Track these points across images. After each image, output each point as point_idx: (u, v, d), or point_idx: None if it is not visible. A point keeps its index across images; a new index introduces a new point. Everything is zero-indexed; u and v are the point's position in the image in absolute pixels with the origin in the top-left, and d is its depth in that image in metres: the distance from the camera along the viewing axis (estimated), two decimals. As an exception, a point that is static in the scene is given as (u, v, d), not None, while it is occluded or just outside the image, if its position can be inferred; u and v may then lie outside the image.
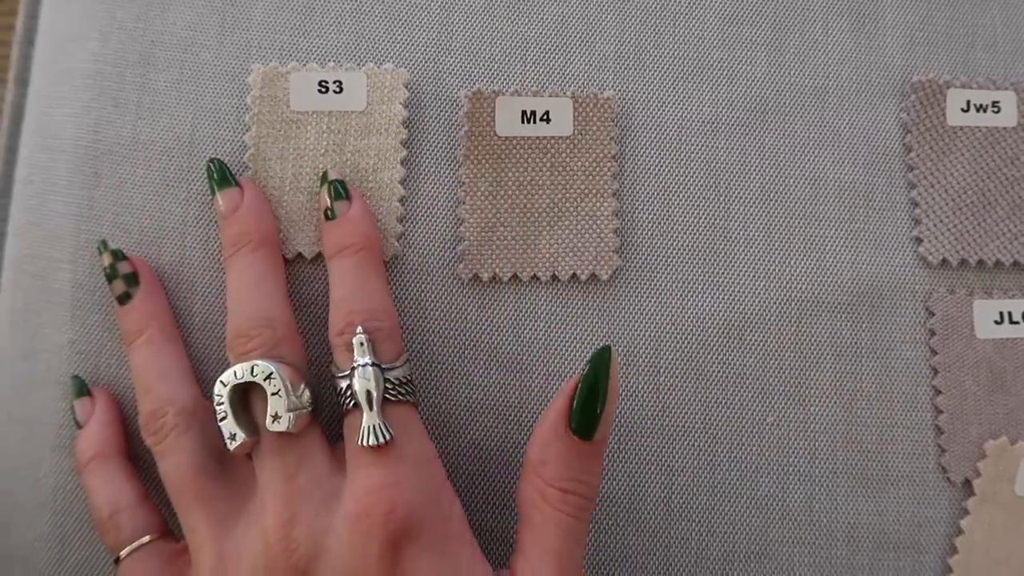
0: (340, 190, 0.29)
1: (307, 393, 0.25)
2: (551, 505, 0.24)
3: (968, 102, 0.33)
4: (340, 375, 0.25)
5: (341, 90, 0.31)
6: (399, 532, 0.23)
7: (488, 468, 0.30)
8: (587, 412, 0.24)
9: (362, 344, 0.25)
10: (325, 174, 0.30)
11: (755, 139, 0.32)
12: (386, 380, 0.25)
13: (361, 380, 0.24)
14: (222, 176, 0.29)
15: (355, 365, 0.25)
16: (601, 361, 0.24)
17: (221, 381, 0.25)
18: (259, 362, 0.25)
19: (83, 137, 0.33)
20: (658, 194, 0.31)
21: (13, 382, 0.33)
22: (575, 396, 0.24)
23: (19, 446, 0.32)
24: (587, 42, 0.33)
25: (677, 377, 0.30)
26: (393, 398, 0.25)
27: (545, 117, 0.31)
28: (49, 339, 0.32)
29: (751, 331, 0.31)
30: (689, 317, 0.31)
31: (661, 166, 0.32)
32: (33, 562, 0.31)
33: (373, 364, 0.25)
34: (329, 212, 0.29)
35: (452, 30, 0.32)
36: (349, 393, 0.25)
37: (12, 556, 0.32)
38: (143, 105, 0.33)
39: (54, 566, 0.31)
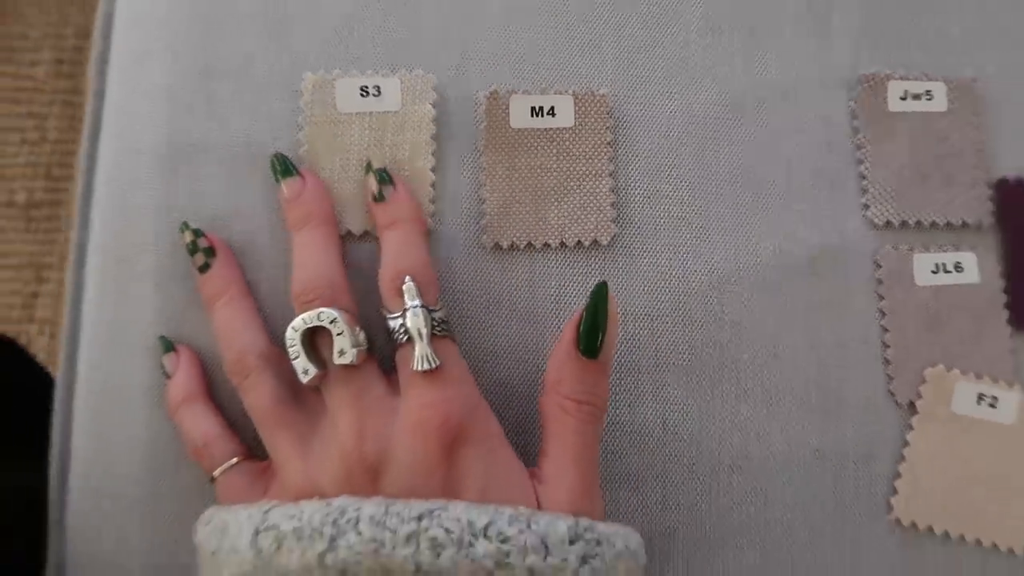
0: (385, 176, 0.35)
1: (363, 334, 0.31)
2: (569, 414, 0.30)
3: (906, 91, 0.39)
4: (392, 316, 0.31)
5: (379, 93, 0.37)
6: (451, 436, 0.29)
7: (511, 401, 0.36)
8: (591, 335, 0.30)
9: (412, 290, 0.31)
10: (369, 164, 0.36)
11: (732, 129, 0.38)
12: (432, 319, 0.31)
13: (413, 318, 0.30)
14: (284, 167, 0.35)
15: (407, 307, 0.31)
16: (599, 294, 0.30)
17: (292, 327, 0.31)
18: (324, 309, 0.31)
19: (161, 140, 0.39)
20: (648, 174, 0.38)
21: (106, 352, 0.38)
22: (581, 323, 0.30)
23: (114, 406, 0.38)
24: (587, 47, 0.39)
25: (668, 323, 0.37)
26: (439, 333, 0.31)
27: (551, 111, 0.37)
28: (136, 312, 0.38)
29: (729, 285, 0.37)
30: (677, 274, 0.37)
31: (651, 151, 0.38)
32: (123, 495, 0.37)
33: (422, 306, 0.31)
34: (377, 195, 0.35)
35: (471, 40, 0.39)
36: (403, 330, 0.31)
37: (101, 491, 0.37)
38: (210, 112, 0.39)
39: (147, 498, 0.36)
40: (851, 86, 0.40)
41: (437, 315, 0.31)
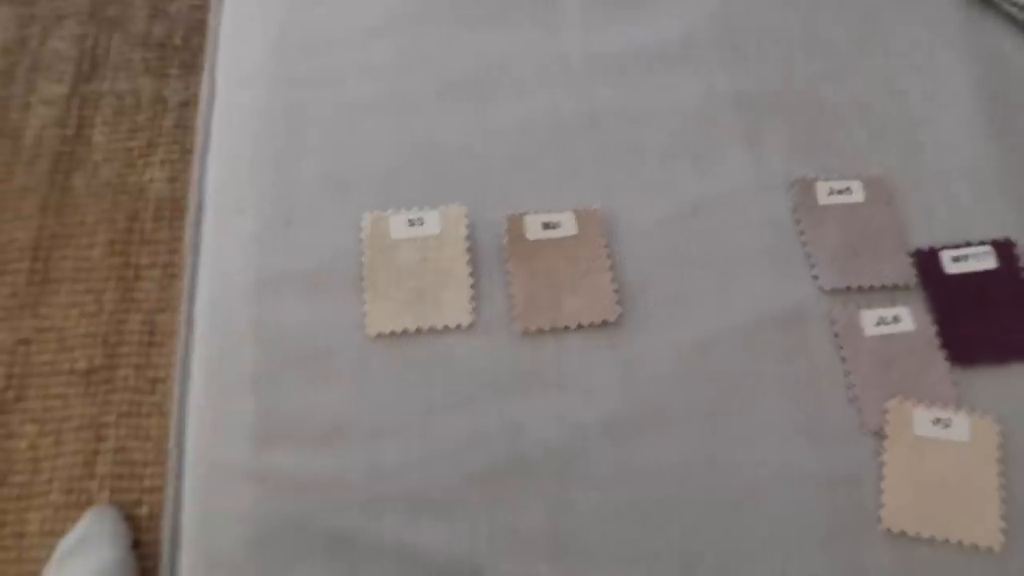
0: None
1: None
2: None
3: (831, 188, 0.50)
4: None
5: (423, 223, 0.48)
6: None
7: (540, 467, 0.43)
8: None
9: None
10: None
11: (695, 227, 0.49)
12: None
13: None
14: None
15: None
16: None
17: None
18: None
19: (250, 268, 0.49)
20: (639, 266, 0.48)
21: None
22: None
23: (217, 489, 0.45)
24: (579, 175, 0.50)
25: (667, 381, 0.45)
26: None
27: (557, 225, 0.48)
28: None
29: (714, 345, 0.46)
30: (672, 340, 0.46)
31: (638, 249, 0.48)
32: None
33: None
34: None
35: (491, 179, 0.50)
36: None
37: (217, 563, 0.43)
38: (291, 245, 0.49)
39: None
40: (785, 187, 0.51)
41: None
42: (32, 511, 0.93)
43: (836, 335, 0.47)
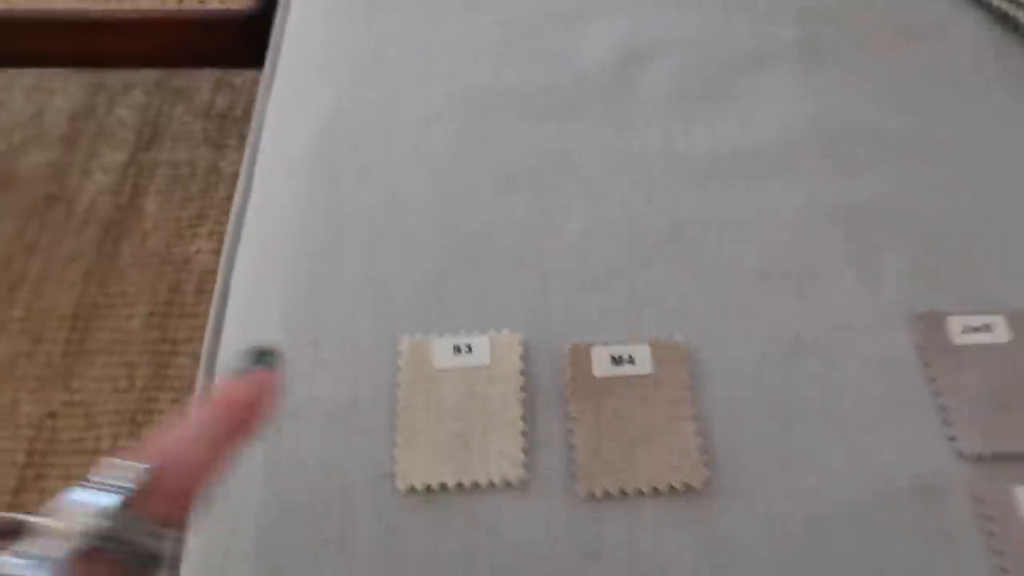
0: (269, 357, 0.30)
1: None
2: None
3: (965, 325, 0.41)
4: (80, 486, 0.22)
5: (471, 351, 0.41)
6: None
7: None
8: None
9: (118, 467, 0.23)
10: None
11: (797, 366, 0.40)
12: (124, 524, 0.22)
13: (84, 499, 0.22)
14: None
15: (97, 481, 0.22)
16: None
17: None
18: None
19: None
20: (731, 416, 0.39)
21: None
22: None
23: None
24: (653, 300, 0.42)
25: (771, 563, 0.36)
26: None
27: (630, 359, 0.40)
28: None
29: (825, 525, 0.36)
30: (773, 516, 0.37)
31: (728, 393, 0.40)
32: None
33: (118, 489, 0.22)
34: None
35: (551, 299, 0.43)
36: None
37: None
38: (315, 371, 0.42)
39: None
40: (907, 321, 0.42)
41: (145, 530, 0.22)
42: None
43: (984, 517, 0.37)
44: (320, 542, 0.37)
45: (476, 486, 0.38)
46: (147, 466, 0.23)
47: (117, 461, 0.23)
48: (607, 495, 0.37)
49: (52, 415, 1.06)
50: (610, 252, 0.44)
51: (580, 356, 0.40)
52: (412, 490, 0.38)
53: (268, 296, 0.46)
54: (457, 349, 0.41)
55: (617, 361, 0.40)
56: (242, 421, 0.27)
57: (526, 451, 0.39)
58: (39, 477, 1.02)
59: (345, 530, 0.38)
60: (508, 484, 0.38)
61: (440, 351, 0.41)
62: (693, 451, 0.38)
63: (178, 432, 0.25)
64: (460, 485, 0.38)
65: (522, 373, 0.40)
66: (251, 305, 0.46)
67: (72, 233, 1.24)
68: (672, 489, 0.37)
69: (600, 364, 0.40)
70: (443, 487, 0.38)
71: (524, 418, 0.39)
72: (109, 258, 1.23)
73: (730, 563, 0.36)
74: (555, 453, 0.39)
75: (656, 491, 0.37)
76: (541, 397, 0.40)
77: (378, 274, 0.44)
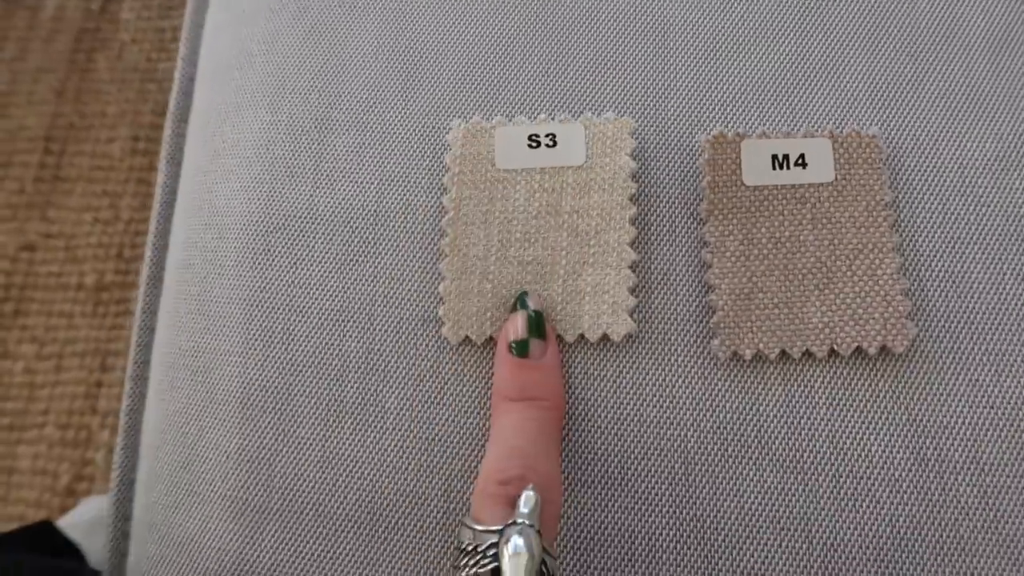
0: (536, 325, 0.24)
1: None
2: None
3: None
4: (481, 528, 0.20)
5: (555, 144, 0.27)
6: None
7: (771, 600, 0.23)
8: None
9: (530, 501, 0.20)
10: (523, 297, 0.25)
11: (1055, 177, 0.26)
12: (544, 559, 0.19)
13: (518, 540, 0.19)
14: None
15: (515, 521, 0.19)
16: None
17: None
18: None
19: (254, 212, 0.29)
20: (948, 247, 0.26)
21: (171, 497, 0.28)
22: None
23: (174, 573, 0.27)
24: (833, 78, 0.28)
25: (1008, 476, 0.24)
26: None
27: (800, 161, 0.26)
28: (213, 445, 0.27)
29: (1097, 413, 0.24)
30: (1012, 397, 0.24)
31: (946, 213, 0.26)
32: None
33: (536, 529, 0.19)
34: (517, 348, 0.24)
35: (674, 71, 0.28)
36: (492, 554, 0.19)
37: None
38: (321, 172, 0.29)
39: None
40: None
41: (550, 563, 0.20)
42: (24, 444, 0.81)
43: None
44: (337, 404, 0.26)
45: (559, 341, 0.25)
46: (536, 495, 0.20)
47: (526, 494, 0.20)
48: (759, 357, 0.25)
49: (30, 247, 0.95)
50: (770, 2, 0.29)
51: (725, 153, 0.26)
52: (467, 341, 0.26)
53: (247, 85, 0.31)
54: (534, 140, 0.27)
55: (781, 163, 0.26)
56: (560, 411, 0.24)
57: (635, 291, 0.26)
58: (18, 313, 0.92)
59: (381, 387, 0.26)
60: (607, 340, 0.25)
61: (508, 143, 0.27)
62: (895, 297, 0.25)
63: (537, 448, 0.22)
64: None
65: (633, 178, 0.27)
66: (223, 101, 0.32)
67: (39, 44, 1.08)
68: (859, 351, 0.25)
69: (755, 166, 0.26)
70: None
71: (634, 244, 0.26)
72: (83, 74, 1.08)
73: (947, 453, 0.24)
74: (680, 296, 0.26)
75: (834, 353, 0.25)
76: (661, 214, 0.27)
77: (410, 42, 0.30)
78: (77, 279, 0.92)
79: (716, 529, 0.24)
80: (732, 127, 0.27)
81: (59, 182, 0.99)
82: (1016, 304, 0.25)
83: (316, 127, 0.29)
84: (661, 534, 0.24)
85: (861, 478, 0.24)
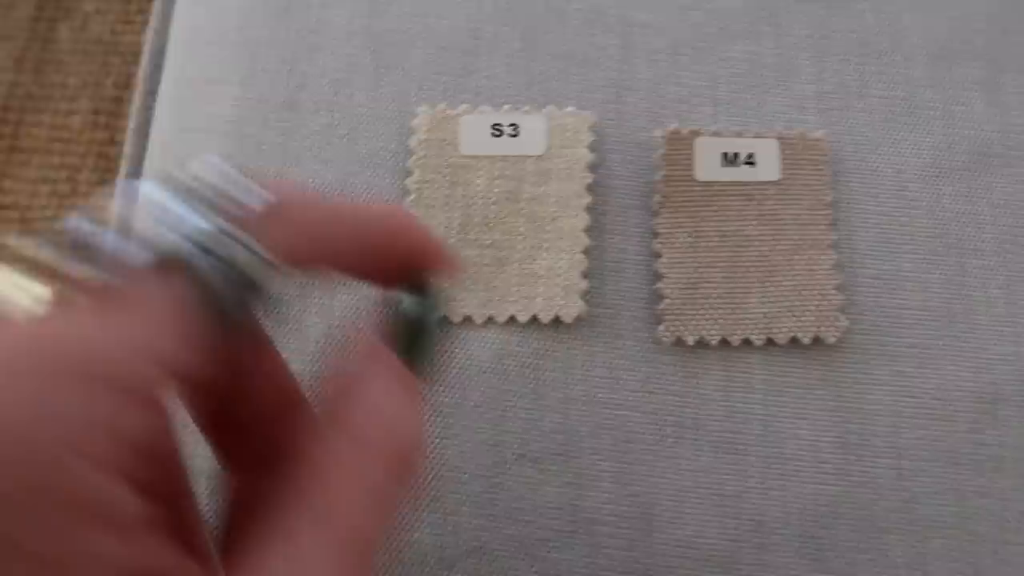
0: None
1: None
2: (369, 456, 0.15)
3: None
4: None
5: (517, 133, 0.28)
6: None
7: (702, 572, 0.25)
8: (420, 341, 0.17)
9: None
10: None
11: (983, 185, 0.28)
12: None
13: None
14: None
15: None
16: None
17: None
18: None
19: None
20: (882, 246, 0.28)
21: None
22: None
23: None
24: (783, 81, 0.29)
25: (922, 460, 0.26)
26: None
27: (749, 160, 0.28)
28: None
29: (1006, 406, 0.26)
30: (930, 388, 0.26)
31: (881, 215, 0.28)
32: None
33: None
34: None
35: (636, 69, 0.29)
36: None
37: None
38: (289, 151, 0.29)
39: None
40: None
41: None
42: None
43: None
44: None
45: (513, 321, 0.27)
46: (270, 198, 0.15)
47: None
48: (702, 343, 0.26)
49: (-18, 217, 0.93)
50: (726, 7, 0.30)
51: (679, 149, 0.28)
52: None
53: (218, 61, 0.32)
54: (498, 129, 0.28)
55: (731, 160, 0.28)
56: None
57: (587, 275, 0.27)
58: (-29, 287, 0.90)
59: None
60: (559, 322, 0.27)
61: (473, 130, 0.28)
62: (829, 292, 0.26)
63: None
64: (490, 319, 0.27)
65: (590, 169, 0.28)
66: (193, 77, 0.32)
67: (-1, 11, 1.05)
68: (794, 341, 0.26)
69: (706, 162, 0.27)
70: (467, 320, 0.27)
71: (588, 231, 0.27)
72: (44, 43, 1.05)
73: (868, 439, 0.26)
74: (629, 283, 0.27)
75: (771, 343, 0.26)
76: (615, 205, 0.28)
77: (381, 26, 0.31)
78: (32, 252, 0.90)
79: (653, 504, 0.25)
80: (687, 124, 0.28)
81: (15, 152, 0.97)
82: (940, 302, 0.27)
83: (286, 106, 0.30)
84: (602, 508, 0.25)
85: (789, 459, 0.25)
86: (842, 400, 0.26)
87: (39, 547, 0.11)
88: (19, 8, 1.05)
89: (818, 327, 0.26)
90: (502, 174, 0.28)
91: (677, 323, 0.26)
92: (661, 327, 0.26)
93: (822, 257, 0.27)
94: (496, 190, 0.28)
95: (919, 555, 0.25)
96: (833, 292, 0.26)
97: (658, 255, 0.27)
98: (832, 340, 0.26)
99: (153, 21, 0.37)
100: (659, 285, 0.27)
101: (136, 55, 1.04)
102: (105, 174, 0.94)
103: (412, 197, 0.28)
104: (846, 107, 0.29)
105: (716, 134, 0.28)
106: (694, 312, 0.26)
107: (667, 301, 0.26)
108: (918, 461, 0.26)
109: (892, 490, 0.25)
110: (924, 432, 0.26)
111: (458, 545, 0.25)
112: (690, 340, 0.26)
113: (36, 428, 0.12)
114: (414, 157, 0.28)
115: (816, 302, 0.26)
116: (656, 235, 0.27)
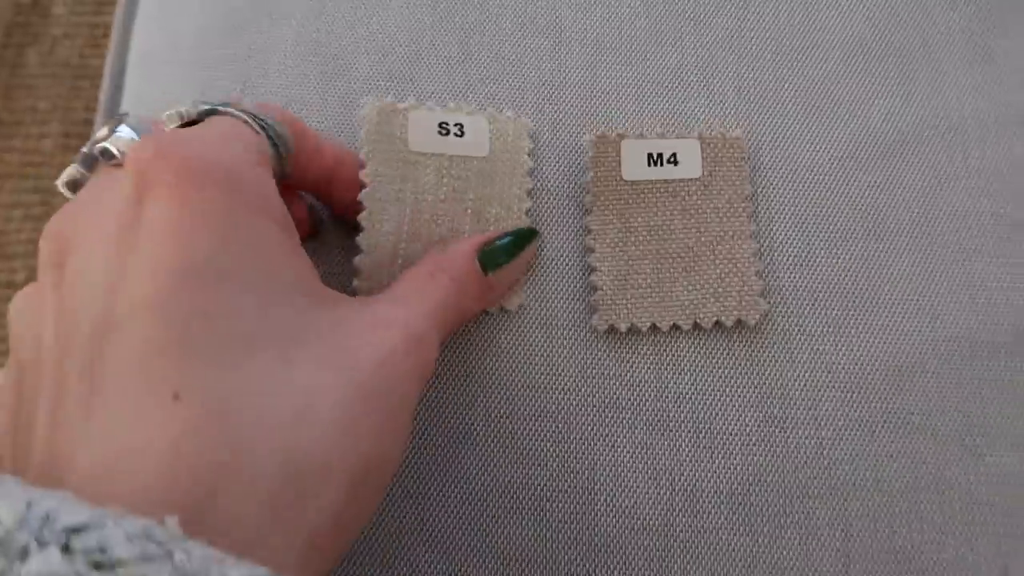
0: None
1: None
2: (440, 283, 0.25)
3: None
4: None
5: (463, 134, 0.30)
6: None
7: (641, 539, 0.27)
8: (495, 254, 0.27)
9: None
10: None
11: (895, 174, 0.31)
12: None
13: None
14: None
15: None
16: (526, 237, 0.28)
17: None
18: None
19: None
20: (798, 234, 0.30)
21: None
22: (497, 239, 0.28)
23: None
24: (705, 82, 0.32)
25: (840, 429, 0.28)
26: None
27: (672, 159, 0.30)
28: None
29: (914, 375, 0.28)
30: (846, 362, 0.28)
31: (797, 204, 0.30)
32: None
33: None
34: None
35: (567, 73, 0.32)
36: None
37: None
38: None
39: None
40: (1030, 125, 0.32)
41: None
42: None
43: (1103, 370, 0.29)
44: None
45: (462, 315, 0.28)
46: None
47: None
48: (633, 330, 0.28)
49: (-47, 243, 0.93)
50: (651, 11, 0.32)
51: (606, 151, 0.30)
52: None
53: (179, 52, 0.34)
54: (444, 128, 0.30)
55: (655, 161, 0.30)
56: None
57: (529, 269, 0.29)
58: (-56, 311, 0.90)
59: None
60: (503, 310, 0.29)
61: (421, 127, 0.30)
62: (750, 277, 0.29)
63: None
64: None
65: (530, 175, 0.30)
66: (155, 98, 0.34)
67: (-36, 37, 1.05)
68: (718, 325, 0.28)
69: (632, 163, 0.30)
70: (417, 316, 0.28)
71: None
72: (13, 69, 1.06)
73: (790, 412, 0.28)
74: (566, 276, 0.29)
75: (697, 327, 0.29)
76: (551, 205, 0.30)
77: (328, 37, 0.32)
78: (7, 276, 0.90)
79: (593, 479, 0.27)
80: (614, 128, 0.30)
81: (-12, 177, 0.97)
82: (853, 283, 0.29)
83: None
84: (544, 486, 0.27)
85: (717, 434, 0.27)
86: (764, 377, 0.28)
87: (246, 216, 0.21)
88: (-14, 35, 1.05)
89: (740, 311, 0.28)
90: (449, 173, 0.29)
91: (610, 312, 0.28)
92: (595, 316, 0.28)
93: (742, 246, 0.29)
94: (444, 188, 0.29)
95: (839, 517, 0.27)
96: (754, 278, 0.29)
97: (591, 250, 0.29)
98: (753, 322, 0.28)
99: (112, 45, 0.38)
100: (592, 278, 0.29)
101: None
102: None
103: (366, 191, 0.29)
104: (764, 104, 0.31)
105: (640, 136, 0.30)
106: (625, 301, 0.28)
107: (600, 292, 0.28)
108: (836, 430, 0.28)
109: (813, 458, 0.27)
110: (841, 403, 0.28)
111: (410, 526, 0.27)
112: (623, 327, 0.28)
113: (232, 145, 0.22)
114: (365, 149, 0.29)
115: (738, 288, 0.28)
116: (589, 232, 0.29)
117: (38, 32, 1.05)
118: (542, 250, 0.29)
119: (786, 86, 0.32)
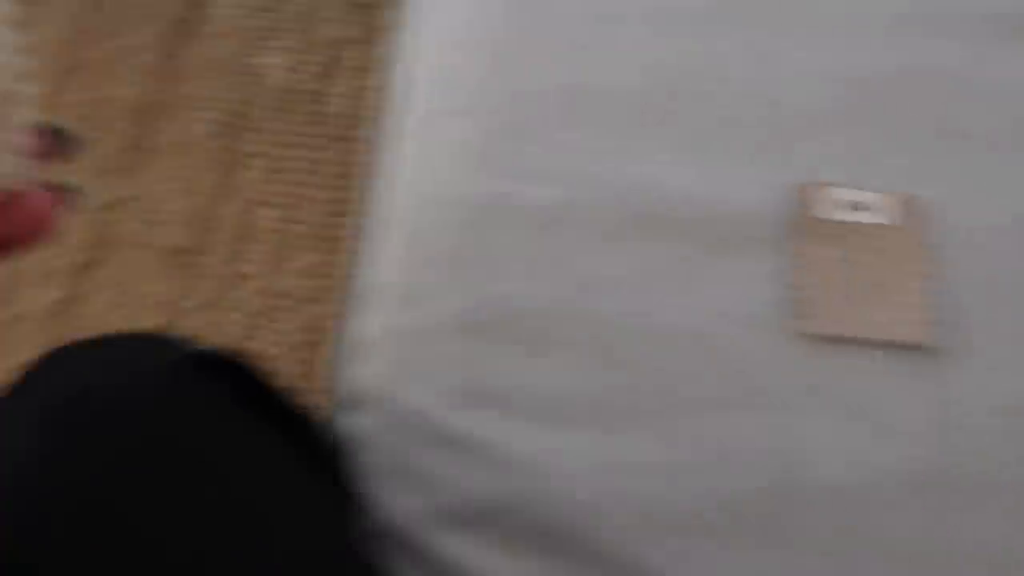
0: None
1: None
2: None
3: None
4: None
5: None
6: None
7: (819, 503, 0.34)
8: None
9: None
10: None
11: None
12: None
13: None
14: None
15: None
16: None
17: None
18: None
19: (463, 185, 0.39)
20: (971, 280, 0.37)
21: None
22: None
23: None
24: (895, 151, 0.39)
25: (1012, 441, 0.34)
26: None
27: (867, 207, 0.37)
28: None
29: None
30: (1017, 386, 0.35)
31: (975, 260, 0.37)
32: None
33: None
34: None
35: (776, 133, 0.40)
36: None
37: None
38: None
39: None
40: None
41: None
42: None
43: None
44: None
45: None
46: None
47: None
48: (828, 337, 0.36)
49: (110, 206, 1.03)
50: (853, 92, 0.41)
51: (808, 195, 0.38)
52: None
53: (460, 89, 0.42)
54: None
55: (852, 207, 0.37)
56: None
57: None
58: (96, 264, 1.00)
59: (552, 337, 0.36)
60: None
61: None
62: (918, 308, 0.36)
63: None
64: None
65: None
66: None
67: (132, 26, 1.17)
68: (896, 344, 0.36)
69: (833, 207, 0.37)
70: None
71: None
72: (172, 58, 1.17)
73: (959, 426, 0.34)
74: (768, 289, 0.37)
75: (880, 342, 0.36)
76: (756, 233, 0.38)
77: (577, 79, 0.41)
78: (156, 240, 1.00)
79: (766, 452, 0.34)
80: (821, 176, 0.38)
81: (142, 152, 1.07)
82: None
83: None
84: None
85: (889, 424, 0.35)
86: (935, 386, 0.35)
87: None
88: (154, 24, 1.16)
89: (912, 334, 0.36)
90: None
91: (811, 321, 0.36)
92: (800, 322, 0.36)
93: (915, 281, 0.36)
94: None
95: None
96: (923, 308, 0.36)
97: (794, 270, 0.37)
98: (922, 343, 0.35)
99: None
100: (794, 292, 0.36)
101: (257, 77, 1.15)
102: (225, 177, 1.05)
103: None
104: (955, 170, 0.39)
105: (841, 187, 0.38)
106: (827, 314, 0.36)
107: (802, 303, 0.36)
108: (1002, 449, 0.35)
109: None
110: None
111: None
112: (821, 333, 0.36)
113: None
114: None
115: (912, 314, 0.36)
116: (793, 256, 0.37)
117: (198, 28, 1.16)
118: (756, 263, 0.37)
119: (971, 160, 0.39)
